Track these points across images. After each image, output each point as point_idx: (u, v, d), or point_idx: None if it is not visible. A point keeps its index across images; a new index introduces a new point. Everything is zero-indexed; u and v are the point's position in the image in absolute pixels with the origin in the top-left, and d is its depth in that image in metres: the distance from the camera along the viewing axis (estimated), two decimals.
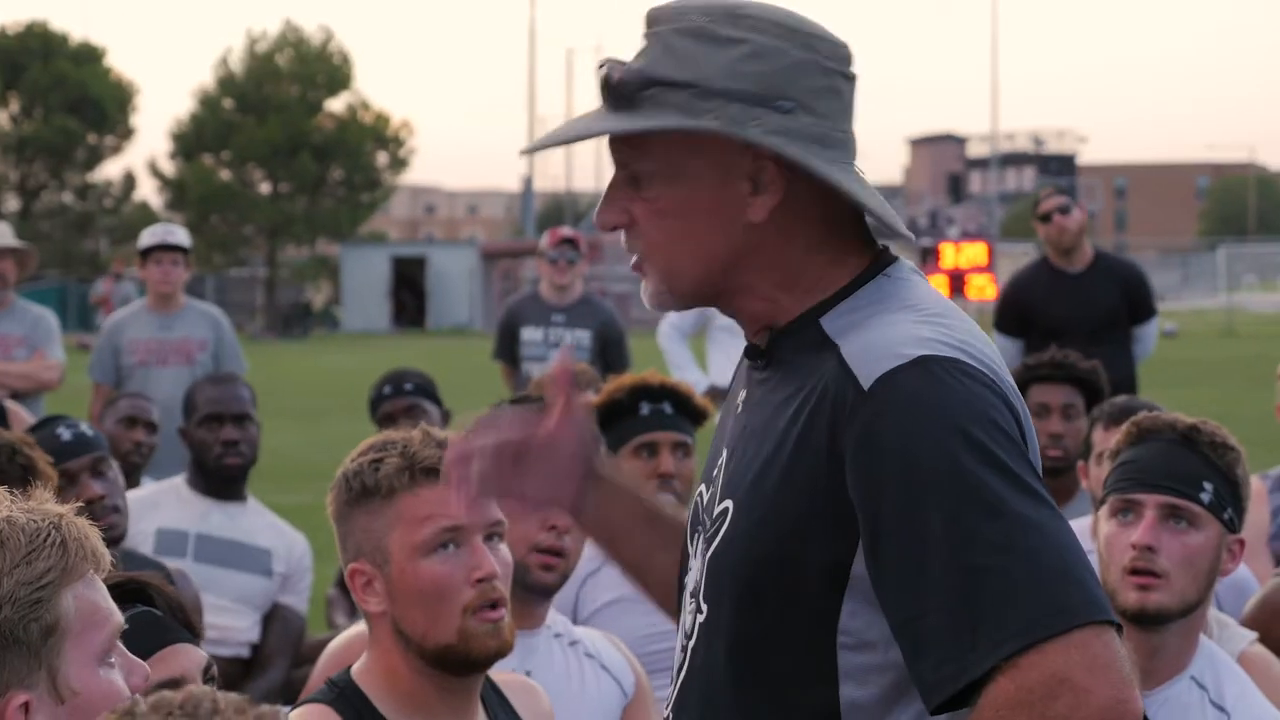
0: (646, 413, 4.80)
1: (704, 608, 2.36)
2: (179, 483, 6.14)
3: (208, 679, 2.87)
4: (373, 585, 2.95)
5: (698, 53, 2.32)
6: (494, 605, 2.93)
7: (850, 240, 2.39)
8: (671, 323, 10.19)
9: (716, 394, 9.82)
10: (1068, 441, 5.90)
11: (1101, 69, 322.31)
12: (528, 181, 69.58)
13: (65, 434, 4.94)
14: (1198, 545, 3.45)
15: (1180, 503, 3.45)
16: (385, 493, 2.92)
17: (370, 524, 2.94)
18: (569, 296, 10.16)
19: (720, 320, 10.01)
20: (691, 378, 9.91)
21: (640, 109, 2.32)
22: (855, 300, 2.35)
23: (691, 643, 2.38)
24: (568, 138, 2.38)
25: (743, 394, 2.43)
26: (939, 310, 2.34)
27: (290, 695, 5.58)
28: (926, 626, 2.17)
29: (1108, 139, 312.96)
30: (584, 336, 10.03)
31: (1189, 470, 3.45)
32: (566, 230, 10.48)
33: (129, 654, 2.38)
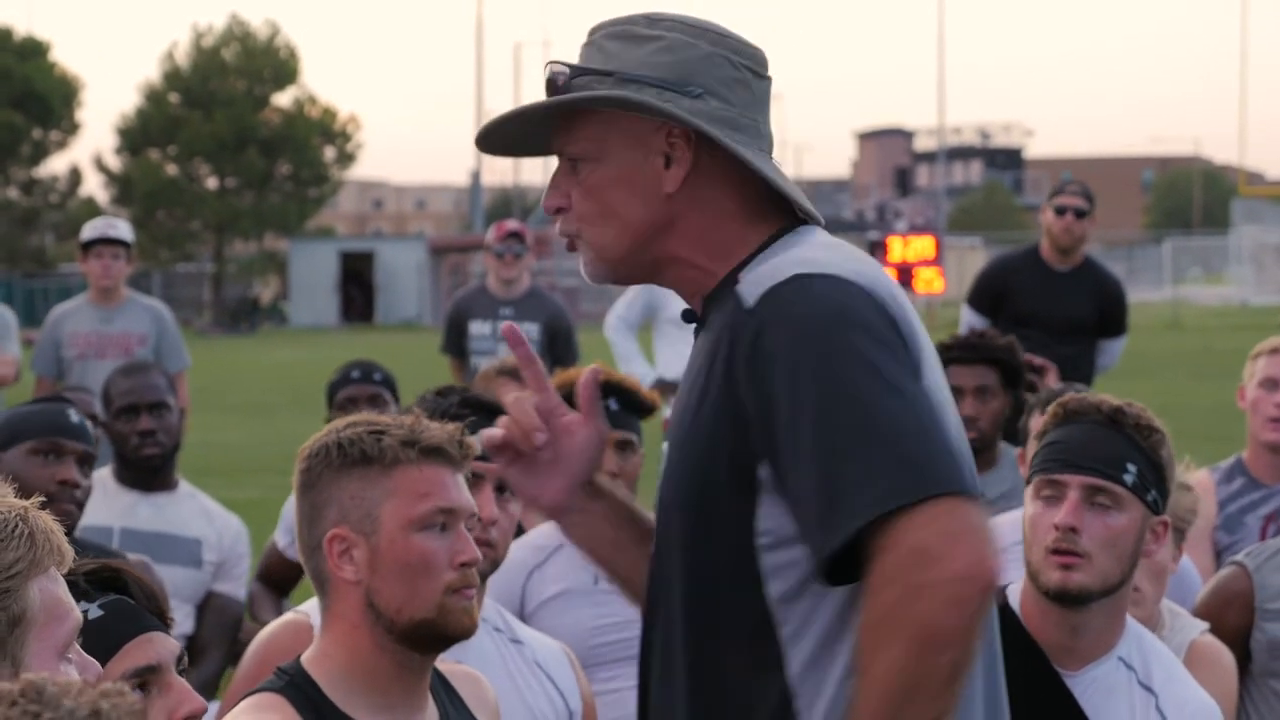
0: None
1: (652, 547, 2.67)
2: (105, 476, 6.06)
3: (180, 668, 2.85)
4: (351, 553, 2.92)
5: (620, 49, 2.66)
6: (469, 587, 2.95)
7: (765, 207, 2.66)
8: (619, 315, 10.18)
9: (664, 387, 9.82)
10: (982, 424, 5.88)
11: (1047, 62, 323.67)
12: (475, 176, 69.52)
13: (73, 416, 4.95)
14: (1120, 526, 3.47)
15: (1103, 484, 3.47)
16: (388, 462, 2.91)
17: (363, 491, 2.93)
18: (516, 290, 10.15)
19: (667, 313, 10.00)
20: (638, 370, 9.91)
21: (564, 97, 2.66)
22: (767, 254, 2.62)
23: (645, 578, 2.70)
24: (506, 118, 2.69)
25: (690, 356, 2.70)
26: (831, 244, 2.63)
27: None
28: (806, 509, 2.48)
29: (1054, 132, 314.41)
30: (532, 329, 10.01)
31: (1113, 452, 3.48)
32: (512, 224, 10.46)
33: (83, 652, 2.37)
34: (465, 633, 2.95)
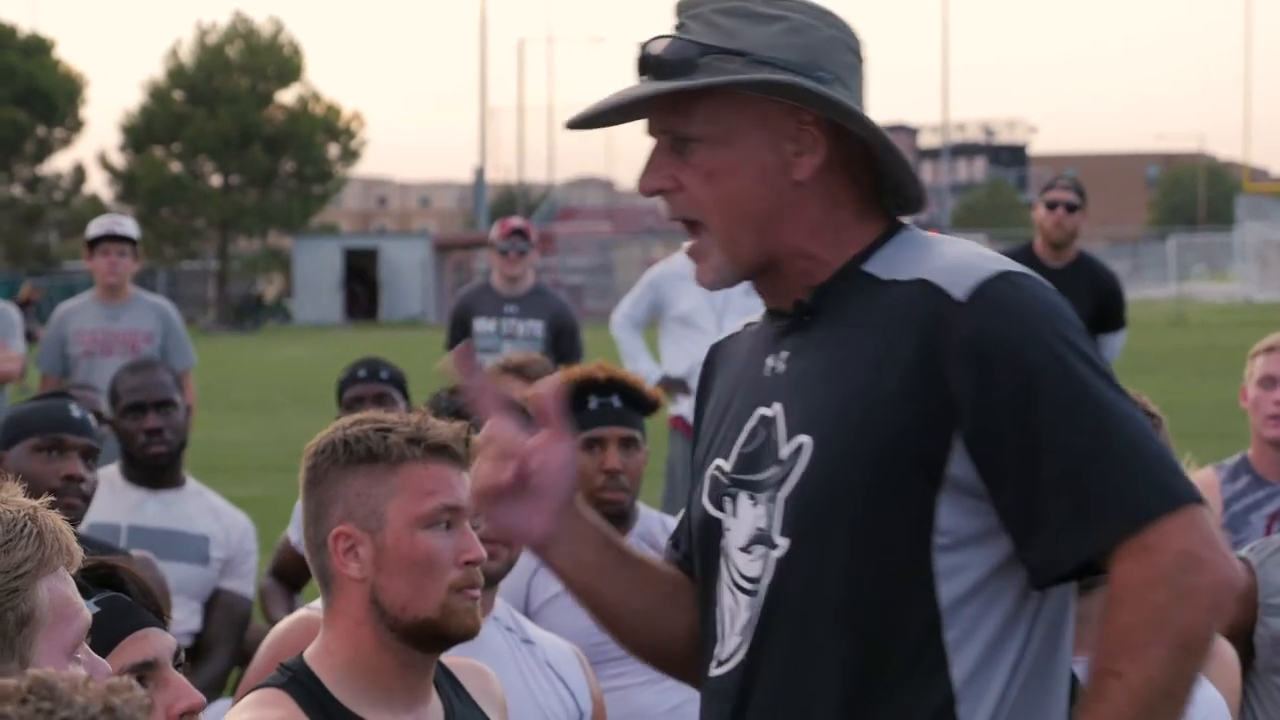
0: (594, 407, 4.77)
1: (779, 543, 2.50)
2: (112, 473, 6.06)
3: (177, 664, 2.86)
4: (356, 550, 2.93)
5: (742, 27, 2.52)
6: (473, 586, 2.96)
7: (872, 201, 2.58)
8: (624, 313, 10.17)
9: (670, 384, 9.82)
10: None
11: (1051, 59, 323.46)
12: (479, 173, 69.52)
13: (75, 411, 4.96)
14: None
15: None
16: (394, 459, 2.92)
17: (369, 488, 2.93)
18: (521, 287, 10.14)
19: (673, 311, 9.99)
20: (644, 368, 9.90)
21: (695, 75, 2.49)
22: (891, 249, 2.55)
23: (765, 582, 2.51)
24: (624, 101, 2.53)
25: (780, 354, 2.57)
26: (977, 245, 2.58)
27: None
28: (1044, 511, 2.39)
29: (1058, 129, 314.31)
30: (537, 327, 10.01)
31: None
32: (516, 221, 10.45)
33: (93, 653, 2.36)
34: (468, 633, 2.96)
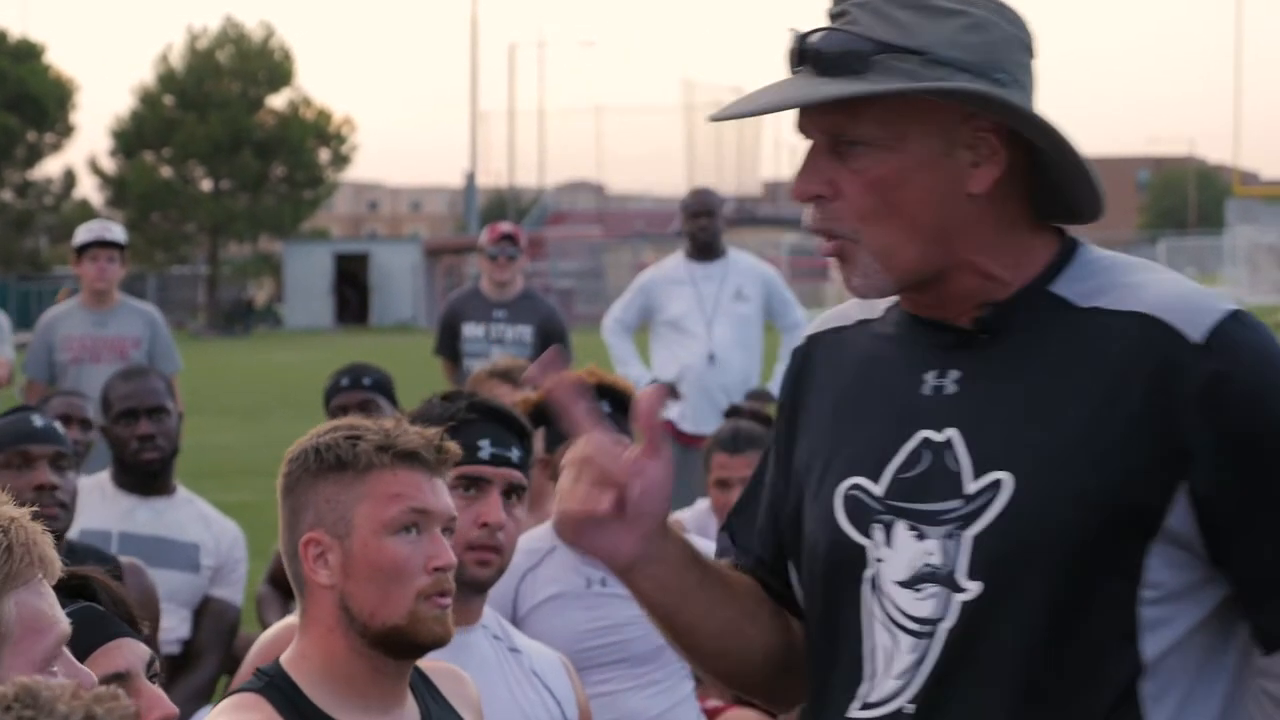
0: None
1: (967, 587, 2.30)
2: (103, 480, 6.08)
3: (151, 674, 2.85)
4: (326, 557, 2.95)
5: (919, 22, 2.31)
6: (443, 594, 2.96)
7: (1038, 214, 2.40)
8: (615, 317, 10.18)
9: (660, 389, 9.81)
10: None
11: (1042, 62, 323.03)
12: (470, 178, 69.54)
13: (37, 420, 4.96)
14: None
15: None
16: (361, 467, 2.93)
17: (338, 495, 2.95)
18: (510, 292, 10.14)
19: (663, 315, 9.99)
20: (635, 373, 9.91)
21: (867, 75, 2.29)
22: (1077, 269, 2.38)
23: (946, 626, 2.31)
24: (798, 103, 2.33)
25: (947, 372, 2.37)
26: (1171, 270, 2.43)
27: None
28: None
29: None
30: (525, 332, 10.01)
31: None
32: (506, 226, 10.46)
33: (76, 663, 2.34)
34: (437, 641, 2.95)
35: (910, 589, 2.34)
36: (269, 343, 49.95)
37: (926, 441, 2.36)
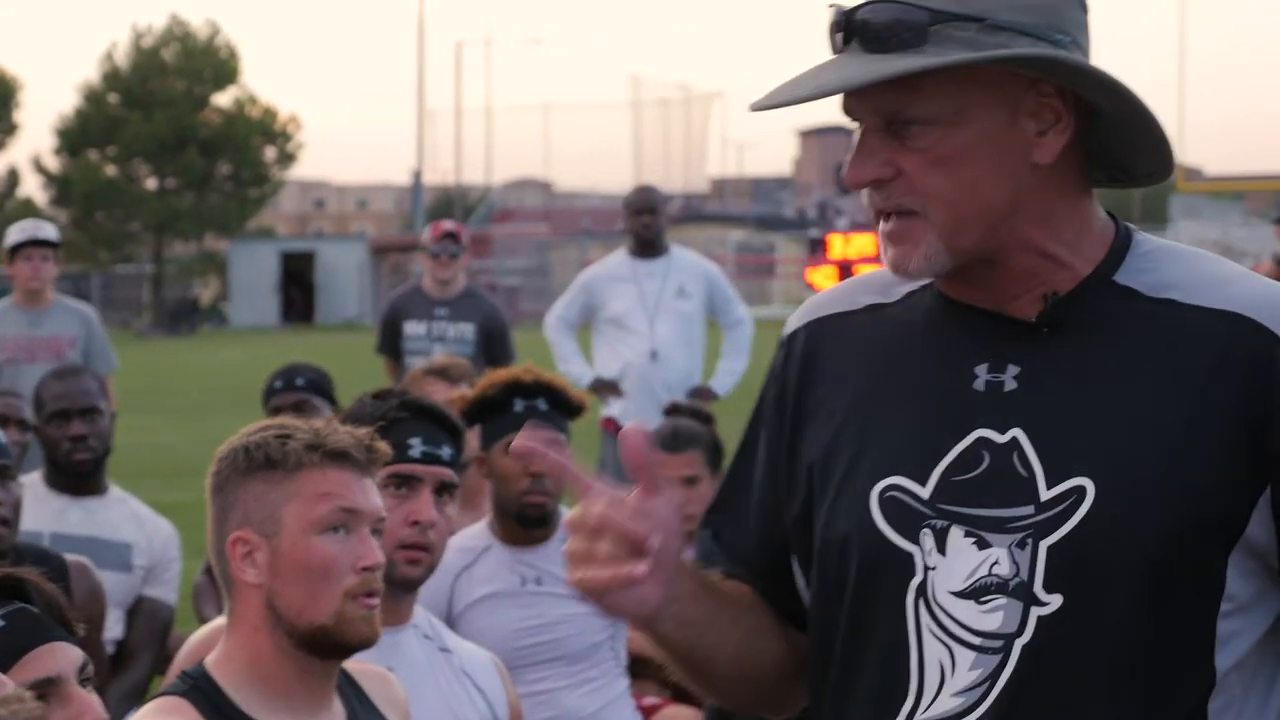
0: (520, 410, 4.77)
1: (1047, 600, 2.15)
2: (35, 480, 6.05)
3: (84, 678, 2.84)
4: (254, 556, 2.95)
5: None
6: (371, 594, 2.95)
7: (1092, 190, 2.27)
8: (558, 315, 10.18)
9: (602, 386, 9.82)
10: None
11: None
12: (417, 175, 69.38)
13: None
14: None
15: None
16: (290, 466, 2.94)
17: (267, 493, 2.95)
18: (452, 290, 10.15)
19: (606, 313, 10.00)
20: (577, 370, 9.91)
21: (923, 47, 2.13)
22: (1140, 259, 2.24)
23: (1022, 641, 2.15)
24: (856, 84, 2.14)
25: (1005, 367, 2.21)
26: (1230, 261, 2.31)
27: None
28: None
29: None
30: (468, 330, 10.02)
31: None
32: (448, 224, 10.48)
33: None
34: (364, 642, 2.95)
35: (971, 600, 2.17)
36: (214, 341, 49.76)
37: (984, 441, 2.20)
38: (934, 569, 2.19)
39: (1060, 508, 2.16)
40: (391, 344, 10.16)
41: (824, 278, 19.50)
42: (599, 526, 2.17)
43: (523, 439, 2.21)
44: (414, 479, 3.72)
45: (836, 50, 2.18)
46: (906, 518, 2.21)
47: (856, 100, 2.18)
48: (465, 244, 10.31)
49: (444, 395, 5.07)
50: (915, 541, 2.20)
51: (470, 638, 4.11)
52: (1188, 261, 2.24)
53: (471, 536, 4.82)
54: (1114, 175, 2.26)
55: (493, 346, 9.98)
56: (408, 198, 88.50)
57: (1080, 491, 2.15)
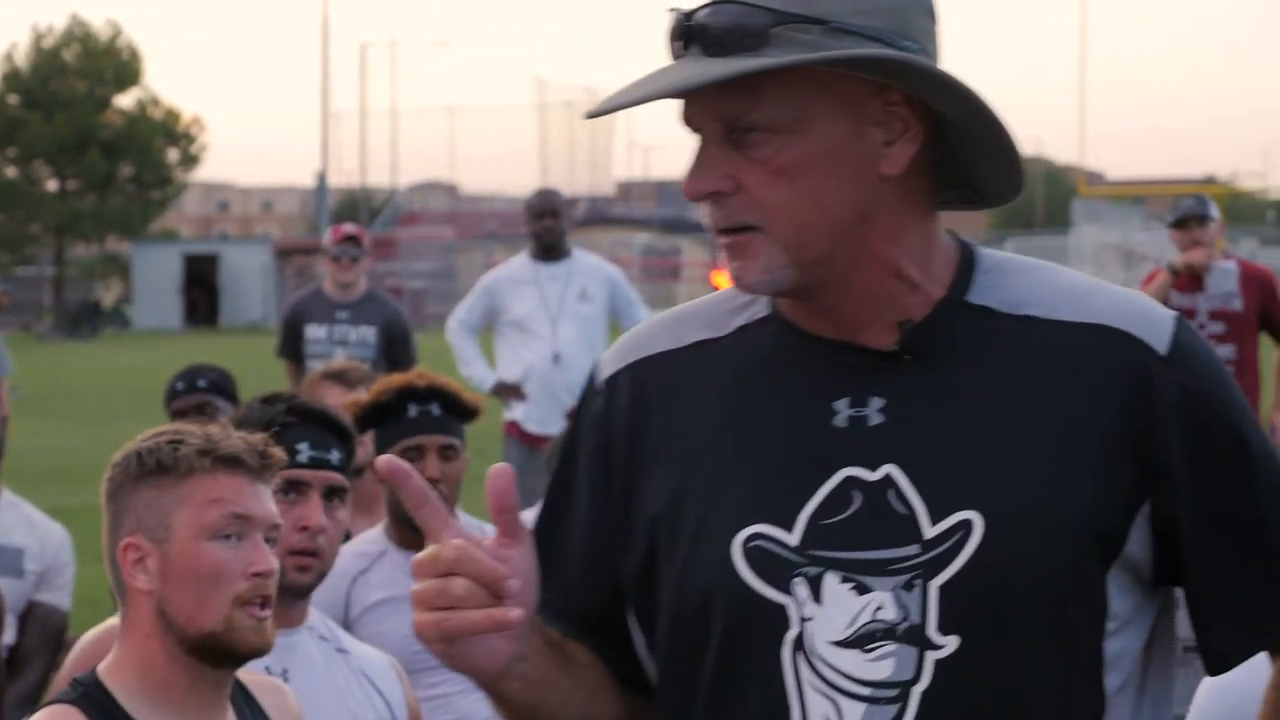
0: (414, 415, 4.76)
1: (942, 642, 2.04)
2: None
3: None
4: (145, 562, 2.94)
5: None
6: (263, 603, 2.95)
7: (936, 206, 2.15)
8: (459, 318, 10.18)
9: (504, 389, 9.82)
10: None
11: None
12: (322, 177, 69.09)
13: None
14: None
15: None
16: (182, 472, 2.93)
17: (157, 499, 2.95)
18: (353, 293, 10.13)
19: (508, 316, 10.00)
20: (479, 373, 9.91)
21: (763, 50, 2.02)
22: (989, 275, 2.14)
23: (920, 688, 2.04)
24: (685, 87, 2.03)
25: (867, 400, 2.09)
26: (1078, 272, 2.23)
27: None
28: (1251, 592, 2.13)
29: None
30: (369, 333, 10.00)
31: None
32: (349, 227, 10.47)
33: None
34: (254, 650, 2.94)
35: (856, 649, 2.05)
36: (117, 344, 49.40)
37: (854, 480, 2.07)
38: (810, 619, 2.06)
39: (948, 544, 2.04)
40: (293, 347, 10.13)
41: (728, 280, 19.56)
42: (453, 566, 2.00)
43: (387, 459, 2.07)
44: (302, 484, 3.71)
45: (677, 56, 2.07)
46: (775, 567, 2.07)
47: (696, 107, 2.07)
48: (366, 247, 10.30)
49: (341, 399, 5.05)
50: (787, 592, 2.06)
51: (367, 642, 4.10)
52: (1035, 274, 2.15)
53: (368, 541, 4.82)
54: (964, 194, 2.16)
55: (394, 350, 9.97)
56: (312, 200, 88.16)
57: (967, 526, 2.04)
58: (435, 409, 4.77)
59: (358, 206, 71.37)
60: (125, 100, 68.23)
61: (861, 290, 2.09)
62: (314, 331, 10.04)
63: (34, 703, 5.70)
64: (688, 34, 2.05)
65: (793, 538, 2.07)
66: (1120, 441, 2.07)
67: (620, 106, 2.05)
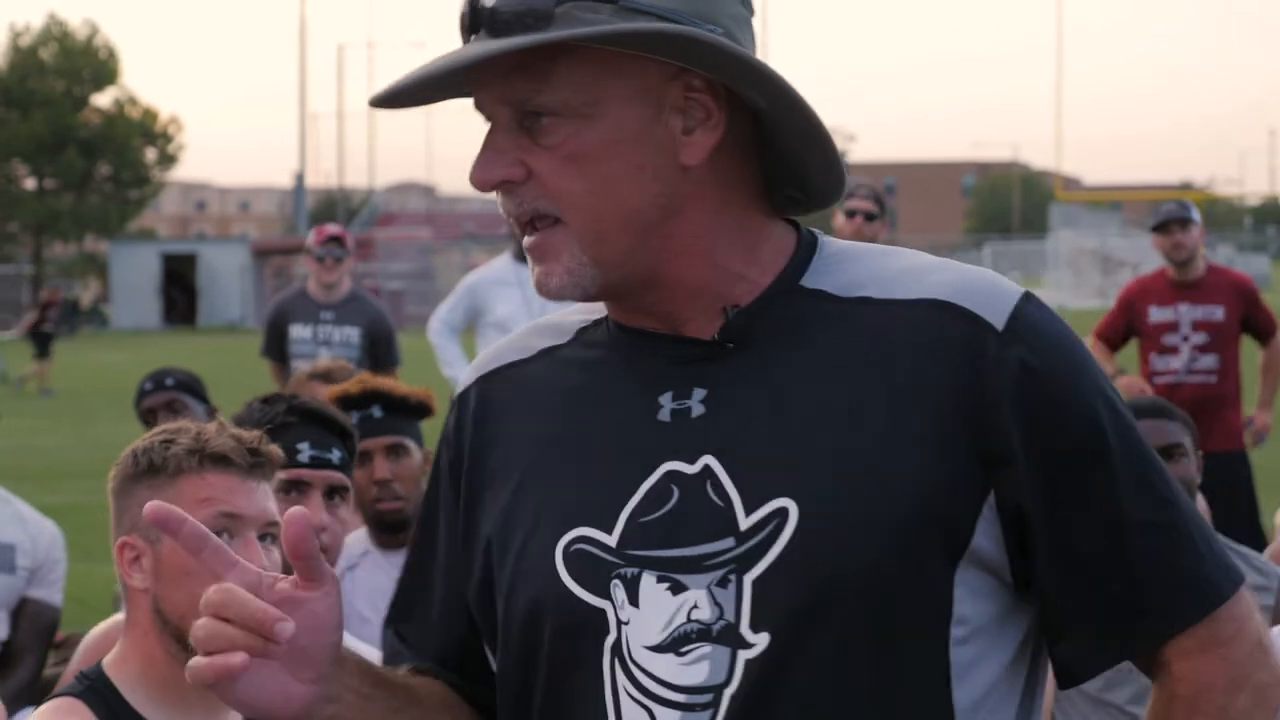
0: (355, 421, 4.77)
1: (753, 641, 1.90)
2: None
3: None
4: (140, 561, 2.98)
5: None
6: None
7: (770, 197, 2.02)
8: (441, 319, 10.19)
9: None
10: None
11: (870, 68, 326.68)
12: (299, 178, 69.03)
13: None
14: None
15: None
16: (171, 471, 2.96)
17: (150, 499, 2.96)
18: (337, 294, 10.15)
19: (490, 316, 10.01)
20: (462, 374, 9.92)
21: (550, 29, 1.89)
22: (828, 260, 2.01)
23: (729, 691, 1.90)
24: (455, 65, 1.90)
25: (689, 392, 1.97)
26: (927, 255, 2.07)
27: (46, 690, 5.53)
28: (1104, 595, 1.94)
29: (876, 138, 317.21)
30: (353, 334, 10.02)
31: None
32: (332, 228, 10.48)
33: None
34: None
35: (671, 653, 1.92)
36: (95, 344, 49.31)
37: (674, 475, 1.95)
38: (627, 623, 1.94)
39: (761, 535, 1.90)
40: (276, 347, 10.15)
41: None
42: (218, 610, 1.87)
43: (154, 506, 1.93)
44: (303, 483, 3.75)
45: (466, 42, 1.95)
46: (595, 571, 1.95)
47: (484, 91, 1.95)
48: (350, 247, 10.32)
49: (327, 399, 5.09)
50: (606, 596, 1.94)
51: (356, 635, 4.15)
52: (880, 258, 2.01)
53: (355, 541, 4.87)
54: (791, 195, 2.02)
55: (378, 350, 10.00)
56: (290, 200, 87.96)
57: (783, 514, 1.90)
58: (376, 411, 4.79)
59: (335, 207, 71.32)
60: (103, 99, 68.19)
61: (678, 284, 1.97)
62: (298, 332, 10.07)
63: (27, 698, 5.74)
64: (475, 18, 1.93)
65: (612, 539, 1.96)
66: (955, 424, 1.91)
67: (395, 92, 1.94)
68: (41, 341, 32.46)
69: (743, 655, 1.90)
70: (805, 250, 2.01)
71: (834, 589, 1.88)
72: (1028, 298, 1.97)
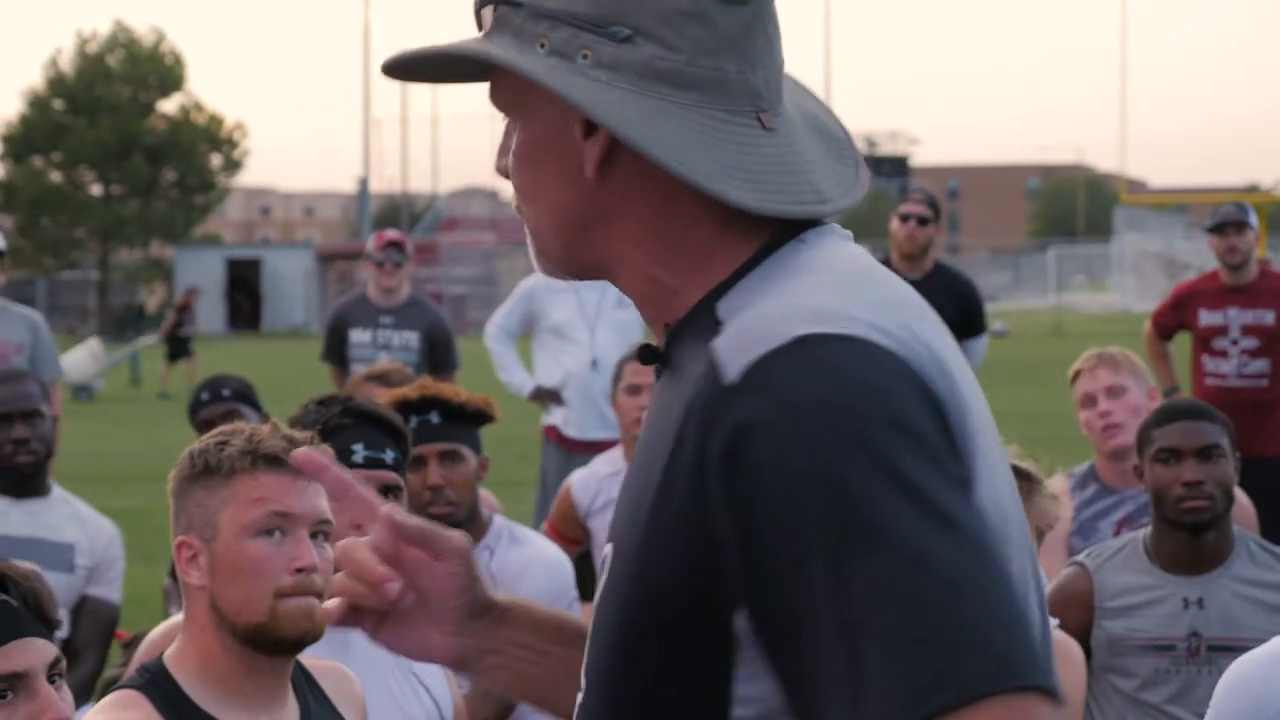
0: (412, 426, 4.76)
1: (583, 683, 1.84)
2: None
3: (53, 674, 2.97)
4: (197, 560, 3.07)
5: None
6: (308, 595, 3.05)
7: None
8: (498, 324, 10.27)
9: (543, 395, 9.92)
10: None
11: (933, 71, 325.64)
12: (363, 183, 69.29)
13: None
14: None
15: None
16: (226, 472, 3.04)
17: (205, 500, 3.07)
18: (396, 298, 10.23)
19: (546, 322, 10.09)
20: (518, 379, 10.00)
21: (490, 33, 1.90)
22: (758, 273, 1.81)
23: None
24: (436, 52, 1.91)
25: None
26: (856, 272, 1.81)
27: (106, 690, 5.64)
28: (818, 695, 1.64)
29: (940, 141, 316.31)
30: (412, 338, 10.10)
31: None
32: (392, 233, 10.55)
33: None
34: (303, 635, 3.04)
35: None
36: (161, 348, 49.63)
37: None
38: None
39: (602, 585, 1.83)
40: (337, 352, 10.24)
41: None
42: (339, 563, 1.98)
43: (302, 451, 2.04)
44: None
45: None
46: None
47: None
48: (409, 252, 10.38)
49: (384, 401, 5.17)
50: None
51: None
52: (768, 282, 1.80)
53: None
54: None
55: (437, 355, 10.07)
56: (354, 205, 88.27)
57: (606, 560, 1.83)
58: (434, 417, 4.83)
59: (399, 212, 71.54)
60: (169, 106, 68.54)
61: (629, 290, 1.90)
62: (358, 336, 10.15)
63: (87, 695, 5.85)
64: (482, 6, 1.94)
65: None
66: (695, 488, 1.70)
67: (401, 62, 1.95)
68: (176, 346, 32.85)
69: (579, 698, 1.86)
70: (750, 265, 1.82)
71: (614, 646, 1.79)
72: (799, 344, 1.69)
